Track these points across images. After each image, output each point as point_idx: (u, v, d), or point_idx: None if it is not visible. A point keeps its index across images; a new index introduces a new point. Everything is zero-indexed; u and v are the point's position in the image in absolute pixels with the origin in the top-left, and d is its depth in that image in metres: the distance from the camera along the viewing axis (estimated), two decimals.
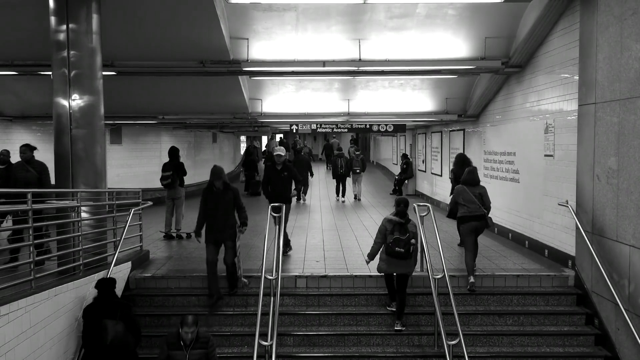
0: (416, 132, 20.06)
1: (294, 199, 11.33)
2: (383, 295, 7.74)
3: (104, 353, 5.85)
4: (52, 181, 7.54)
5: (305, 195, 17.98)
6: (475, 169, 8.63)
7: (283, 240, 8.09)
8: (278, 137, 41.12)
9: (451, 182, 10.51)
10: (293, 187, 9.65)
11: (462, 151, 14.03)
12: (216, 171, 7.67)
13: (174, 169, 11.08)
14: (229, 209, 7.68)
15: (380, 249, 7.29)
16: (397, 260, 7.10)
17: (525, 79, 9.86)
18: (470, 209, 8.05)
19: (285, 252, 8.91)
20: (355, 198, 18.06)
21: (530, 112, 9.66)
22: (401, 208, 7.23)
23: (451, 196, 8.68)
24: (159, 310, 7.71)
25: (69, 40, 7.03)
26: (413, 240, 7.10)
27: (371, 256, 7.43)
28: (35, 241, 6.04)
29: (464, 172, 8.45)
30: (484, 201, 8.13)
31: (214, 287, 7.62)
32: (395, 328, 7.30)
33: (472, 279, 7.79)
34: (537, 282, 7.90)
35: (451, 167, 10.97)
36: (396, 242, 7.04)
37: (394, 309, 7.43)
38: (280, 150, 9.27)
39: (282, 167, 9.19)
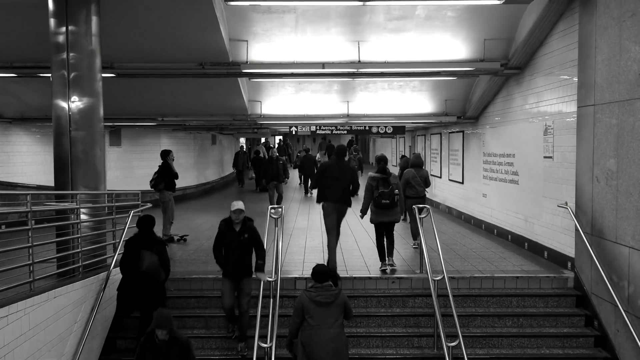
0: (415, 133, 20.06)
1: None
2: (382, 297, 7.74)
3: (138, 278, 6.72)
4: (51, 183, 7.52)
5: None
6: (419, 154, 11.13)
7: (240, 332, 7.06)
8: (278, 139, 40.77)
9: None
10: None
11: (461, 153, 14.06)
12: (161, 317, 5.55)
13: (159, 171, 10.88)
14: None
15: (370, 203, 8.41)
16: (385, 210, 8.23)
17: (525, 80, 9.87)
18: (417, 191, 9.90)
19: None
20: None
21: (529, 113, 9.66)
22: (381, 165, 8.46)
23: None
24: None
25: (68, 42, 7.04)
26: (397, 191, 8.27)
27: (364, 211, 8.52)
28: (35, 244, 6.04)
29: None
30: (427, 182, 10.24)
31: None
32: (387, 262, 8.36)
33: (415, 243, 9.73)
34: (537, 284, 7.90)
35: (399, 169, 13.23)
36: (382, 195, 8.18)
37: (385, 268, 8.33)
38: (239, 205, 6.85)
39: (242, 227, 6.84)
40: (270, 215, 7.91)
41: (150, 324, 5.63)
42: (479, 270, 8.24)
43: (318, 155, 30.43)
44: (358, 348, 7.21)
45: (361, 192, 9.09)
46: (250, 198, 20.01)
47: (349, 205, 8.48)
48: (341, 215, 8.36)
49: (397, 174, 9.78)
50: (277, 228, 7.79)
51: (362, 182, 9.03)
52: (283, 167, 14.82)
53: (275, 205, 8.34)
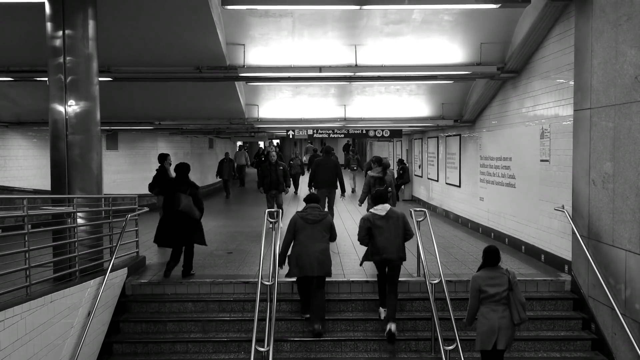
0: (412, 137, 20.10)
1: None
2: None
3: (176, 216, 8.13)
4: (48, 187, 7.51)
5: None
6: (385, 158, 13.12)
7: None
8: (275, 142, 40.43)
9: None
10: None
11: (458, 156, 14.09)
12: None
13: (155, 175, 10.81)
14: None
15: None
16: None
17: (521, 84, 9.89)
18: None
19: None
20: (353, 191, 21.01)
21: (526, 117, 9.69)
22: (382, 166, 10.18)
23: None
24: (155, 316, 7.69)
25: (65, 46, 7.03)
26: (390, 189, 9.78)
27: (361, 201, 10.32)
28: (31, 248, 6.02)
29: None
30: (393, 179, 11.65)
31: None
32: None
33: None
34: (534, 287, 7.91)
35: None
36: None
37: None
38: None
39: None
40: (267, 219, 7.92)
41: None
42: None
43: (304, 158, 30.50)
44: (356, 352, 7.20)
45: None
46: (247, 201, 19.99)
47: (335, 187, 11.69)
48: (329, 196, 11.59)
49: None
50: (274, 231, 7.80)
51: (361, 179, 10.14)
52: (284, 174, 12.60)
53: (273, 209, 8.34)
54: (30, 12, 7.65)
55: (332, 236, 7.51)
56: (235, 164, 24.46)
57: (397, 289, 7.30)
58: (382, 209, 7.28)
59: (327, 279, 7.95)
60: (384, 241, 7.13)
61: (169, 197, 8.27)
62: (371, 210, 7.42)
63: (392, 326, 7.05)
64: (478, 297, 5.87)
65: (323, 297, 7.34)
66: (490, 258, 5.93)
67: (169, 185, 8.57)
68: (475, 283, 5.91)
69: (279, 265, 7.42)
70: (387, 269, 7.31)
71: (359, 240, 7.44)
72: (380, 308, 7.51)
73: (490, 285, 5.80)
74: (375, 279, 7.88)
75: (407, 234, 7.30)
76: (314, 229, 7.21)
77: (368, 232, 7.24)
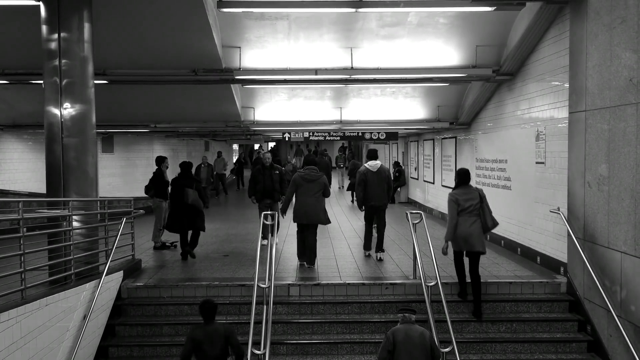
0: (408, 139, 20.12)
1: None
2: (376, 303, 7.74)
3: (185, 209, 9.45)
4: (44, 190, 7.48)
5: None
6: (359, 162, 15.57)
7: None
8: (270, 145, 40.27)
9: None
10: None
11: (454, 159, 14.11)
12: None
13: (152, 177, 10.89)
14: None
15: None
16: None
17: (516, 86, 9.92)
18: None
19: None
20: (339, 188, 22.93)
21: (521, 119, 9.72)
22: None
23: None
24: (151, 319, 7.66)
25: (60, 49, 7.01)
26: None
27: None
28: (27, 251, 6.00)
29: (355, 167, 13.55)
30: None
31: None
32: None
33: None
34: (530, 289, 7.92)
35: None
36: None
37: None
38: None
39: None
40: (263, 222, 7.92)
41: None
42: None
43: (294, 160, 30.52)
44: (352, 354, 7.20)
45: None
46: (244, 203, 19.98)
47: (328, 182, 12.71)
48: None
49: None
50: (270, 234, 7.79)
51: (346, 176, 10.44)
52: (280, 180, 10.48)
53: (269, 212, 8.34)
54: (26, 15, 7.64)
55: (326, 192, 8.93)
56: (215, 172, 21.87)
57: (384, 226, 9.51)
58: (374, 165, 9.34)
59: (326, 282, 7.98)
60: (372, 192, 9.24)
61: (178, 192, 9.50)
62: (366, 165, 9.40)
63: (379, 255, 9.39)
64: (457, 210, 7.29)
65: (314, 241, 8.97)
66: (464, 178, 7.48)
67: (176, 181, 9.70)
68: (453, 198, 7.34)
69: (282, 213, 9.35)
70: (374, 215, 9.51)
71: (357, 195, 9.51)
72: (365, 251, 9.75)
73: (465, 199, 7.30)
74: (372, 282, 7.91)
75: (389, 189, 9.41)
76: (309, 186, 8.71)
77: (365, 185, 9.21)
